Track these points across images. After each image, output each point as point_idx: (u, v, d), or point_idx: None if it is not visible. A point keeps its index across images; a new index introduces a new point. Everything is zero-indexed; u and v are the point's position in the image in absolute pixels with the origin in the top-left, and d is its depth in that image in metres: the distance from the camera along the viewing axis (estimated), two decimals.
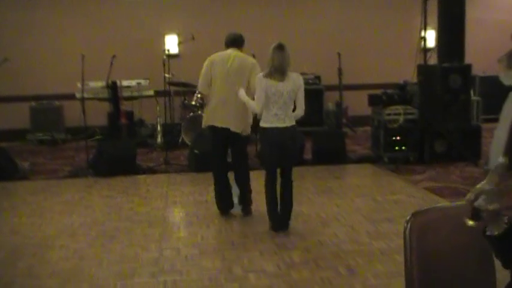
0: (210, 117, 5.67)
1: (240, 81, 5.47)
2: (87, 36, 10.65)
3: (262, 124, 5.18)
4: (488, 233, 2.03)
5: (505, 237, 1.99)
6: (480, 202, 1.98)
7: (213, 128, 5.68)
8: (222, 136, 5.64)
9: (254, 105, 5.16)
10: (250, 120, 5.67)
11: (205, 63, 5.70)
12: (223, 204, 5.86)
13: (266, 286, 4.15)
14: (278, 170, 5.30)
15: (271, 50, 5.03)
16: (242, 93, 5.33)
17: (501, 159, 2.00)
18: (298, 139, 5.44)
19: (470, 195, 1.98)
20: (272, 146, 5.17)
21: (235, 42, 5.76)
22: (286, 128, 5.09)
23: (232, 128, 5.55)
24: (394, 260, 4.53)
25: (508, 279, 2.06)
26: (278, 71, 5.01)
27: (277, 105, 5.04)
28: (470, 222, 1.96)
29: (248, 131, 5.69)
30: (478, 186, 2.01)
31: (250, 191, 5.81)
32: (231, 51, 5.68)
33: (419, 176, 7.44)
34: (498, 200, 1.97)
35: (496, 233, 2.02)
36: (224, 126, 5.57)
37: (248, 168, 5.81)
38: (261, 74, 5.11)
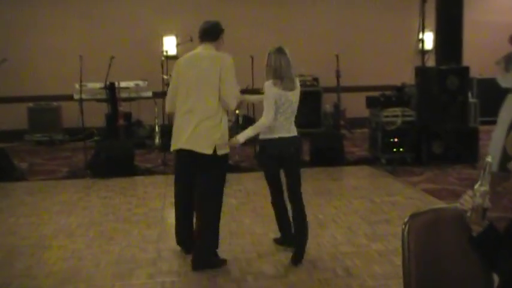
0: (175, 138, 4.49)
1: (211, 88, 4.32)
2: (85, 37, 10.65)
3: (264, 136, 4.51)
4: (473, 234, 2.14)
5: (486, 238, 2.10)
6: (488, 203, 2.09)
7: (178, 152, 4.51)
8: (186, 161, 4.49)
9: (263, 121, 4.42)
10: (226, 137, 4.41)
11: (173, 70, 4.62)
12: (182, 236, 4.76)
13: None
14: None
15: (273, 55, 4.42)
16: (242, 136, 4.50)
17: (489, 159, 2.10)
18: (300, 150, 4.84)
19: (478, 200, 2.07)
20: (273, 158, 4.56)
21: (207, 34, 4.50)
22: (290, 138, 4.54)
23: (199, 149, 4.31)
24: (391, 261, 4.53)
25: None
26: (288, 79, 4.43)
27: (285, 115, 4.46)
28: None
29: (223, 150, 4.38)
30: (476, 187, 2.09)
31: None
32: (201, 50, 4.50)
33: (416, 178, 7.44)
34: (498, 201, 2.09)
35: (480, 230, 2.13)
36: (188, 148, 4.35)
37: (214, 206, 4.49)
38: (270, 82, 4.38)
